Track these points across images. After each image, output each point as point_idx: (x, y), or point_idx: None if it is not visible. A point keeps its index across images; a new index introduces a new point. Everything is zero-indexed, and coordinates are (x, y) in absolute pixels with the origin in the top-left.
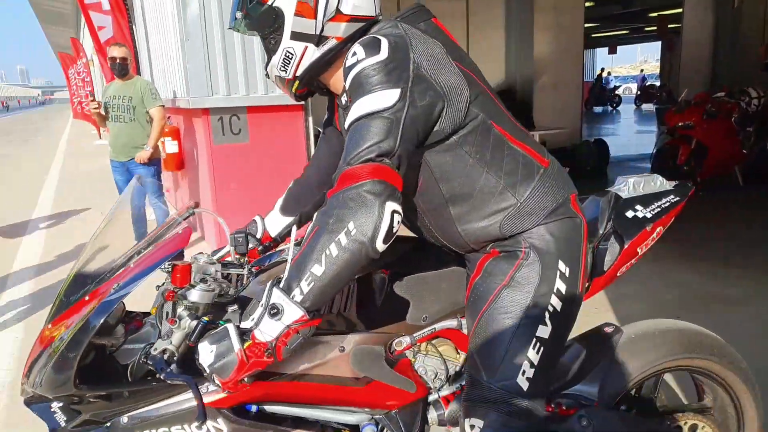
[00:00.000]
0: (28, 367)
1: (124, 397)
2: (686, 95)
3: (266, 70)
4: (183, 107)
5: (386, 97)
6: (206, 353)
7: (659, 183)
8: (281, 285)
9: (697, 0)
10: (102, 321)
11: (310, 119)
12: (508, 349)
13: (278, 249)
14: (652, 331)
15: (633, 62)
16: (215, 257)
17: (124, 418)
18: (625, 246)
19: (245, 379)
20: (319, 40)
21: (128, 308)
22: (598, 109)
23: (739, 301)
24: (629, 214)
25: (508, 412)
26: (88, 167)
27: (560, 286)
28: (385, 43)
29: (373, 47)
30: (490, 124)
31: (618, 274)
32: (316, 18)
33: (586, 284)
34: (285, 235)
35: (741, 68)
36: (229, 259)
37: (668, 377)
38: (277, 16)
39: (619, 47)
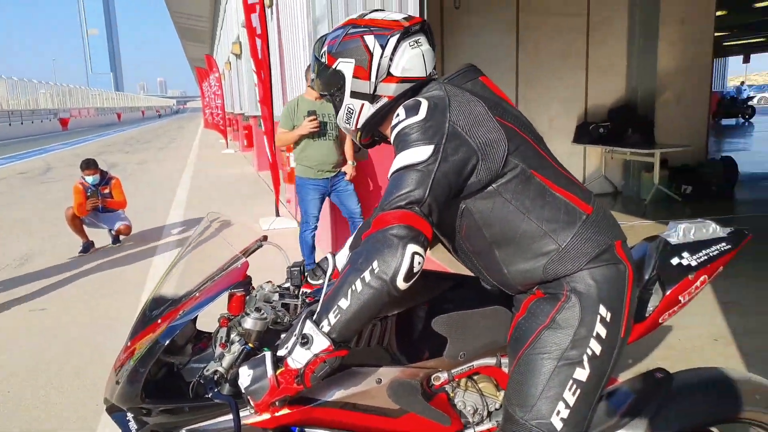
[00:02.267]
0: (108, 381)
1: (185, 411)
2: None
3: (336, 121)
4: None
5: (421, 152)
6: (244, 376)
7: (711, 229)
8: (314, 317)
9: None
10: (168, 342)
11: None
12: (544, 389)
13: (331, 283)
14: (711, 380)
15: None
16: (284, 286)
17: (183, 431)
18: (666, 293)
19: (276, 403)
20: (373, 98)
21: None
22: (728, 121)
23: None
24: (674, 261)
25: None
26: (217, 175)
27: (600, 330)
28: (424, 105)
29: (413, 109)
30: (530, 173)
31: (660, 322)
32: (370, 80)
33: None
34: None
35: None
36: (287, 286)
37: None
38: (339, 77)
39: (753, 55)
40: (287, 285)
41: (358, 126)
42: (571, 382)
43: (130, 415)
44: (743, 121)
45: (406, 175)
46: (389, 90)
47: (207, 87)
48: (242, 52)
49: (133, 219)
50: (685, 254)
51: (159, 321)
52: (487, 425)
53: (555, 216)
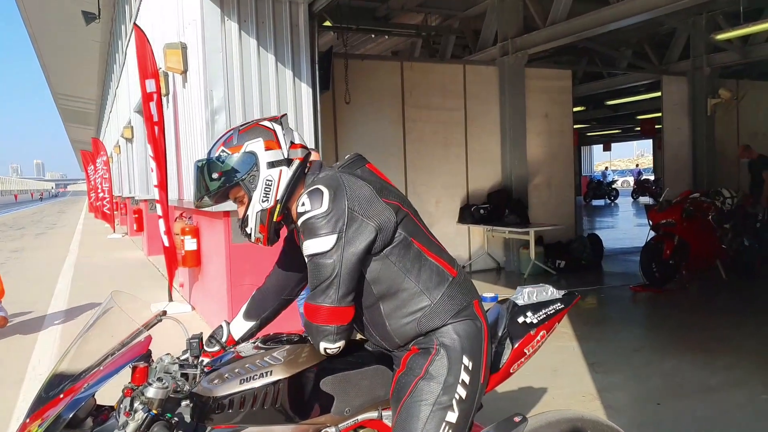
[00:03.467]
0: None
1: None
2: (667, 195)
3: (240, 224)
4: (206, 209)
5: (327, 242)
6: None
7: (550, 292)
8: None
9: (674, 107)
10: (71, 415)
11: None
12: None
13: (228, 351)
14: (556, 422)
15: (630, 156)
16: (182, 357)
17: None
18: (515, 347)
19: None
20: (288, 162)
21: (101, 402)
22: (597, 202)
23: (723, 390)
24: (520, 319)
25: None
26: (103, 261)
27: (465, 377)
28: (326, 196)
29: (317, 198)
30: (410, 241)
31: (511, 372)
32: (281, 148)
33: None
34: (247, 338)
35: (719, 168)
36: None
37: None
38: (251, 156)
39: (616, 143)
40: (185, 356)
41: (278, 197)
42: (444, 424)
43: None
44: (609, 201)
45: (320, 263)
46: (297, 153)
47: (93, 170)
48: (134, 137)
49: (9, 310)
50: (529, 313)
51: (61, 396)
52: None
53: (429, 277)
